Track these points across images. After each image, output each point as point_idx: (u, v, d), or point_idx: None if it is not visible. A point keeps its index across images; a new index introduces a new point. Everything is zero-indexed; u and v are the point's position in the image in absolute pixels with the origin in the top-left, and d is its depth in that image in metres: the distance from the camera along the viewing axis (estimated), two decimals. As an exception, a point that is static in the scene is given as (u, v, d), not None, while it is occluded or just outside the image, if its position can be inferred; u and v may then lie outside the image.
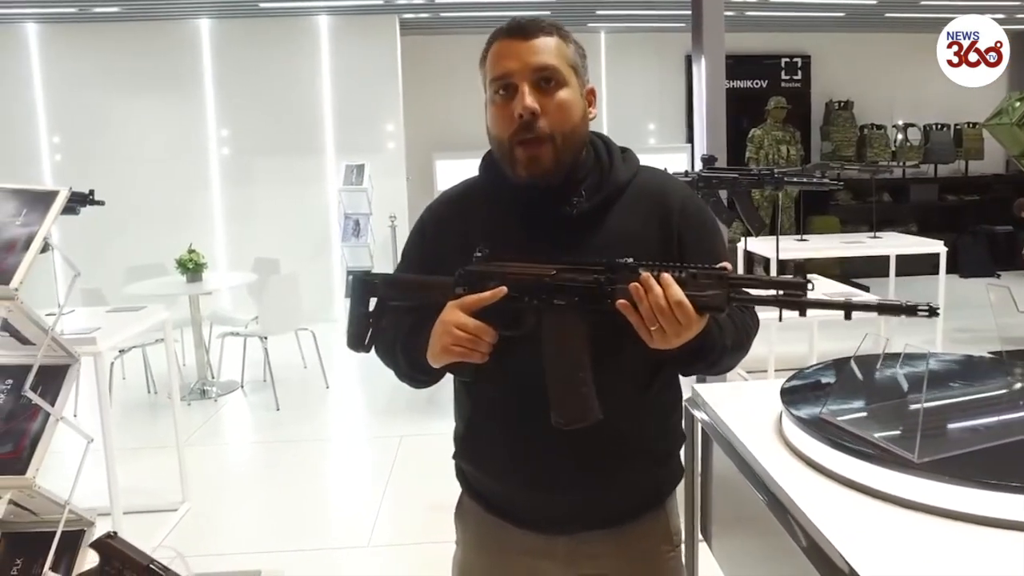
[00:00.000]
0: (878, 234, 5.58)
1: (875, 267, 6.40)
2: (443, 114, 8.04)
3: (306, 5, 7.11)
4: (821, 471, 1.35)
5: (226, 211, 7.52)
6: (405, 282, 1.33)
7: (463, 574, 1.47)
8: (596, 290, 1.14)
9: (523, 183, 1.26)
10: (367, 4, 7.09)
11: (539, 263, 1.19)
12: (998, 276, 8.30)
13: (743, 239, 5.05)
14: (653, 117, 8.86)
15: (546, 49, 1.24)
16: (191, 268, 5.16)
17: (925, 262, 5.60)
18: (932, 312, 0.98)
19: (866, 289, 4.16)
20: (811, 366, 1.80)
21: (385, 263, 7.24)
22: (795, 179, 3.48)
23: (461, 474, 1.45)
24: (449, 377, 1.33)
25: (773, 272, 4.81)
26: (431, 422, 4.49)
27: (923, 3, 7.43)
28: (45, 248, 1.71)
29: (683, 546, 1.47)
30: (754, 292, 1.08)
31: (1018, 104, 5.72)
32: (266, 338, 5.17)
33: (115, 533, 1.39)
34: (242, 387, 5.45)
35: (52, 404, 1.66)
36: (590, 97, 1.31)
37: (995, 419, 1.41)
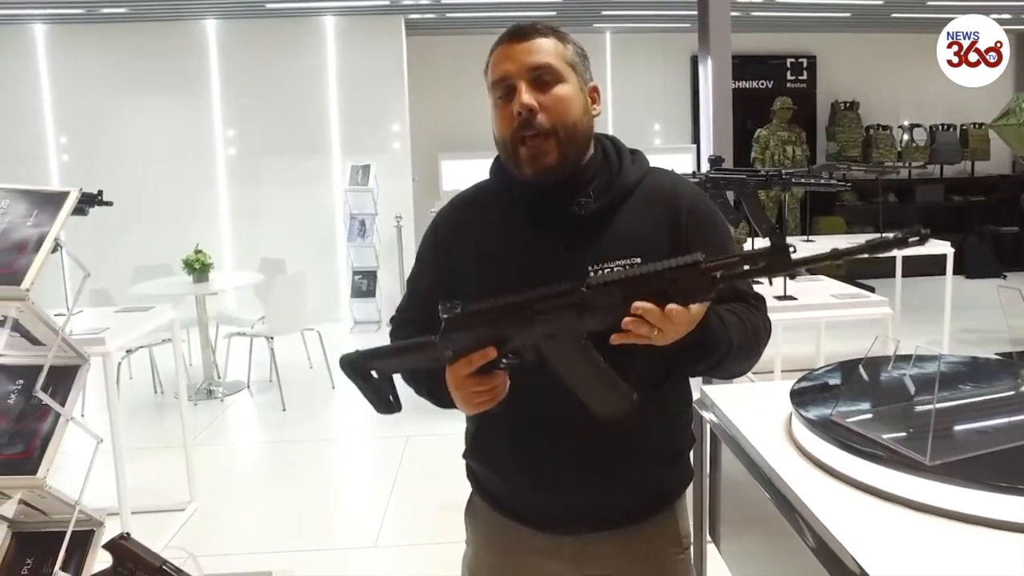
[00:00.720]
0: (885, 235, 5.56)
1: (881, 268, 6.39)
2: (449, 114, 8.05)
3: (312, 6, 7.12)
4: (831, 473, 1.35)
5: (232, 211, 7.54)
6: (390, 351, 1.30)
7: (473, 573, 1.47)
8: (575, 308, 1.09)
9: (530, 182, 1.27)
10: (373, 5, 7.10)
11: (508, 302, 1.13)
12: (1004, 277, 8.28)
13: (749, 240, 5.04)
14: (658, 118, 8.85)
15: (542, 49, 1.26)
16: (198, 268, 5.16)
17: (931, 263, 5.59)
18: (922, 237, 0.92)
19: (872, 290, 4.15)
20: (821, 367, 1.80)
21: (391, 263, 7.25)
22: (803, 180, 3.47)
23: (471, 473, 1.46)
24: None
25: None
26: (437, 422, 4.47)
27: (929, 3, 7.40)
28: (54, 249, 1.72)
29: (691, 548, 1.47)
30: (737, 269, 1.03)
31: (1025, 105, 5.70)
32: (272, 338, 5.18)
33: (128, 534, 1.39)
34: (248, 387, 5.46)
35: (62, 404, 1.67)
36: (593, 95, 1.32)
37: (1006, 421, 1.41)
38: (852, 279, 6.99)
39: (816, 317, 3.69)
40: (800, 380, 1.68)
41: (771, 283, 3.29)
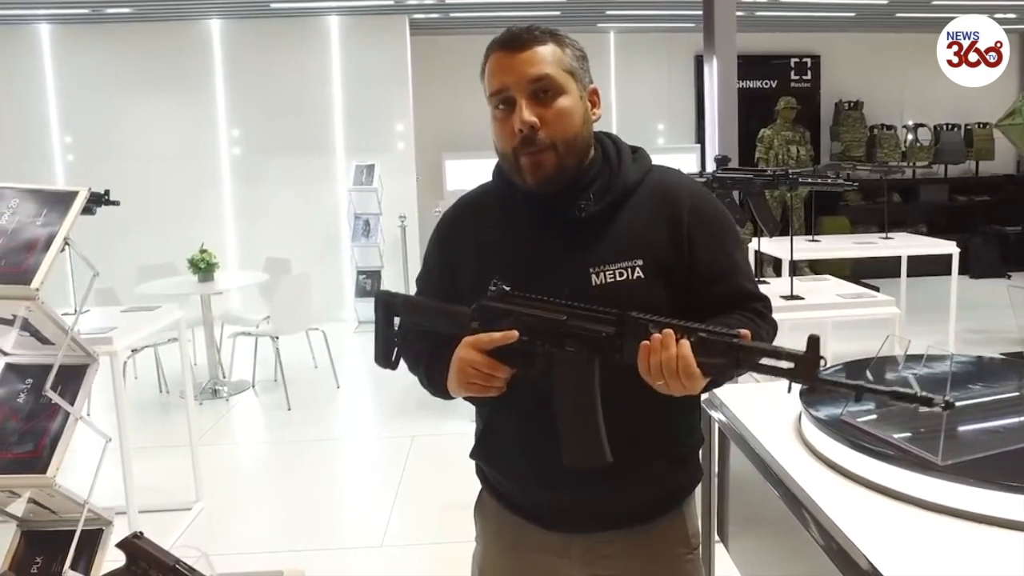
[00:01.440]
0: (890, 235, 5.56)
1: (886, 267, 6.38)
2: (453, 114, 8.04)
3: (316, 5, 7.12)
4: (842, 472, 1.35)
5: (237, 211, 7.54)
6: (424, 306, 1.35)
7: (482, 570, 1.48)
8: (606, 343, 1.14)
9: (531, 189, 1.28)
10: (377, 4, 7.10)
11: (552, 306, 1.19)
12: (1008, 277, 8.26)
13: (755, 239, 5.03)
14: (662, 117, 8.85)
15: (541, 59, 1.25)
16: (203, 268, 5.17)
17: (936, 263, 5.58)
18: (948, 406, 0.92)
19: (876, 289, 4.14)
20: (831, 367, 1.79)
21: (395, 263, 7.25)
22: (809, 180, 3.47)
23: (480, 471, 1.47)
24: None
25: (784, 272, 4.80)
26: (442, 422, 4.49)
27: (934, 3, 7.39)
28: (62, 248, 1.72)
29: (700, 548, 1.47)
30: (765, 361, 1.06)
31: (1031, 104, 5.68)
32: (277, 338, 5.18)
33: (141, 533, 1.39)
34: (253, 387, 5.46)
35: (71, 404, 1.67)
36: (593, 98, 1.32)
37: (1017, 421, 1.40)
38: (857, 279, 6.99)
39: (823, 317, 3.68)
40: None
41: (780, 275, 3.29)
